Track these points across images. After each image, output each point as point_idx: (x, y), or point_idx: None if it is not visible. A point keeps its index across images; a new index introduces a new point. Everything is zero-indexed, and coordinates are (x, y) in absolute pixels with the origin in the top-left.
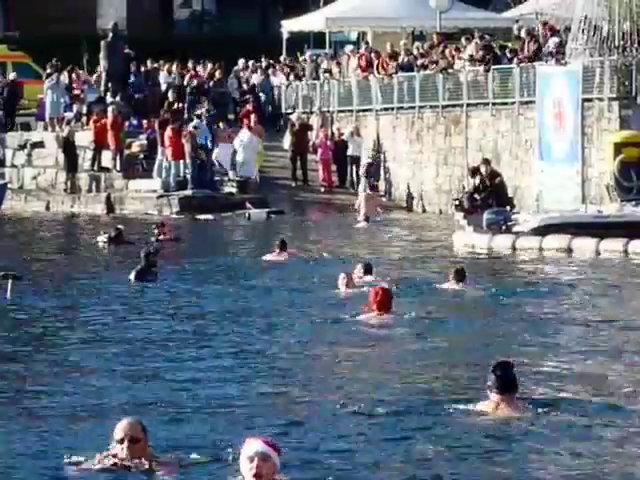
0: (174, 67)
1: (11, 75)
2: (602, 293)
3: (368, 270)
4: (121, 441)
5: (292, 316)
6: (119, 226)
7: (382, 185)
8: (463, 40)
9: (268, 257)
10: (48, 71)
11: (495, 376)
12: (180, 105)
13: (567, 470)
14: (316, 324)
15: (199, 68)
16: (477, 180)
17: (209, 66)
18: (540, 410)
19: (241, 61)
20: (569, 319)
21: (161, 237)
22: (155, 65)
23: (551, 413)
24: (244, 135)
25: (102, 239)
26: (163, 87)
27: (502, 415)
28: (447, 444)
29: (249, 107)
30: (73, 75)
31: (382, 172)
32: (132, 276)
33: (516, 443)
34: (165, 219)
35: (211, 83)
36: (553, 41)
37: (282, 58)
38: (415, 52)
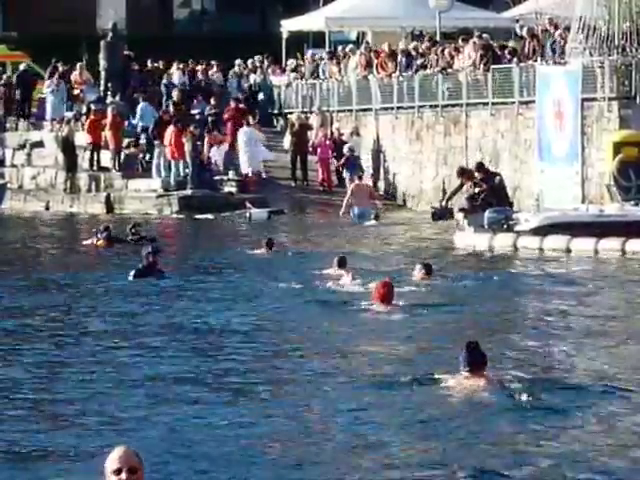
0: (180, 66)
1: (22, 65)
2: (586, 287)
3: (342, 263)
4: (118, 472)
5: (299, 307)
6: (107, 224)
7: (382, 185)
8: (460, 41)
9: (255, 252)
10: (52, 72)
11: (464, 354)
12: (184, 105)
13: (529, 440)
14: (323, 315)
15: (198, 68)
16: (470, 186)
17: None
18: (509, 385)
19: (237, 61)
20: (550, 308)
21: (136, 237)
22: (156, 65)
23: (519, 388)
24: (244, 131)
25: (100, 237)
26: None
27: (471, 389)
28: (422, 415)
29: (240, 106)
30: (75, 74)
31: (382, 172)
32: (131, 275)
33: (483, 414)
34: (164, 219)
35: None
36: (557, 44)
37: (290, 59)
38: (413, 52)
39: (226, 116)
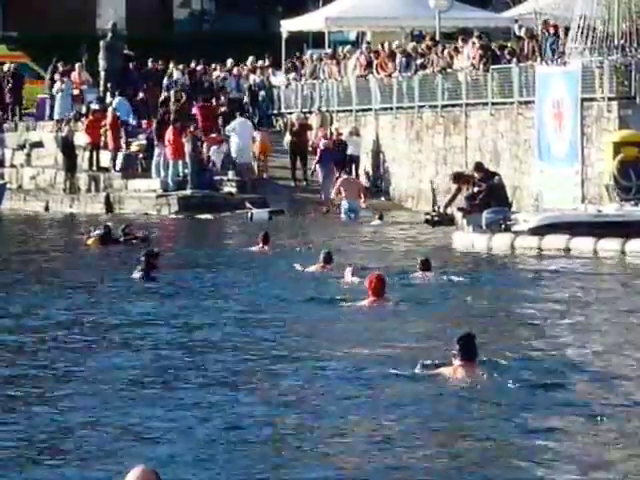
0: (180, 67)
1: (5, 67)
2: (583, 286)
3: (328, 259)
4: None
5: (297, 301)
6: (108, 224)
7: (381, 185)
8: (460, 41)
9: (252, 249)
10: (53, 72)
11: (459, 345)
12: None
13: (512, 424)
14: (318, 309)
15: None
16: (468, 186)
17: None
18: (497, 375)
19: (229, 61)
20: (544, 305)
21: (128, 237)
22: (157, 65)
23: (505, 377)
24: (237, 122)
25: (93, 235)
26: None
27: (463, 378)
28: (415, 402)
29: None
30: (74, 74)
31: (381, 172)
32: (136, 275)
33: (472, 401)
34: (163, 219)
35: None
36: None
37: (297, 60)
38: (411, 52)
39: (195, 111)
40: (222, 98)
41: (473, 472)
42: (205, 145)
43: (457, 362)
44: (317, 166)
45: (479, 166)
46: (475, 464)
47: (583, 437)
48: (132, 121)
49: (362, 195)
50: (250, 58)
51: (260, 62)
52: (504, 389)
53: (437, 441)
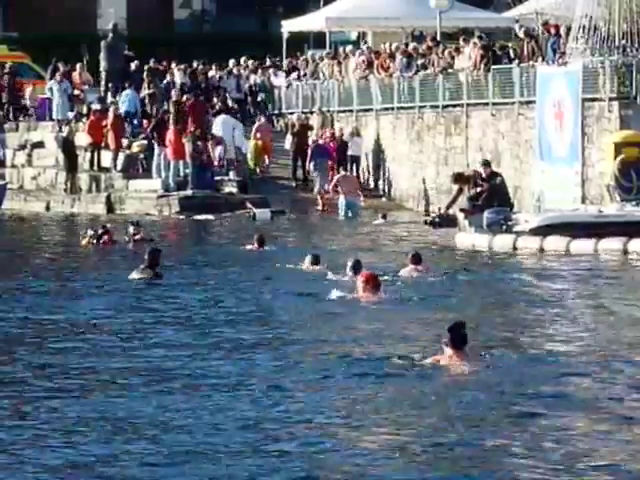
0: (182, 67)
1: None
2: (581, 285)
3: (316, 261)
4: None
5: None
6: (107, 225)
7: (382, 185)
8: (461, 41)
9: (248, 248)
10: (54, 72)
11: (450, 334)
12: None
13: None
14: (314, 305)
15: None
16: (470, 186)
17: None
18: (487, 362)
19: (231, 61)
20: (538, 301)
21: (136, 237)
22: (158, 66)
23: (496, 364)
24: (221, 119)
25: (89, 235)
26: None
27: (454, 365)
28: (410, 389)
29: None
30: (75, 75)
31: (382, 172)
32: (134, 275)
33: (464, 387)
34: (164, 219)
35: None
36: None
37: (289, 59)
38: (412, 52)
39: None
40: (215, 99)
41: (469, 458)
42: (210, 145)
43: (448, 351)
44: (311, 164)
45: (486, 163)
46: (467, 453)
47: (577, 429)
48: (135, 121)
49: (360, 192)
50: (243, 58)
51: (251, 62)
52: (498, 379)
53: (430, 430)
